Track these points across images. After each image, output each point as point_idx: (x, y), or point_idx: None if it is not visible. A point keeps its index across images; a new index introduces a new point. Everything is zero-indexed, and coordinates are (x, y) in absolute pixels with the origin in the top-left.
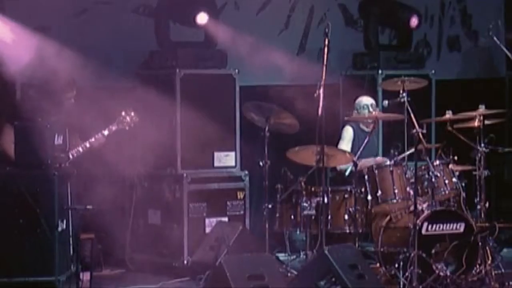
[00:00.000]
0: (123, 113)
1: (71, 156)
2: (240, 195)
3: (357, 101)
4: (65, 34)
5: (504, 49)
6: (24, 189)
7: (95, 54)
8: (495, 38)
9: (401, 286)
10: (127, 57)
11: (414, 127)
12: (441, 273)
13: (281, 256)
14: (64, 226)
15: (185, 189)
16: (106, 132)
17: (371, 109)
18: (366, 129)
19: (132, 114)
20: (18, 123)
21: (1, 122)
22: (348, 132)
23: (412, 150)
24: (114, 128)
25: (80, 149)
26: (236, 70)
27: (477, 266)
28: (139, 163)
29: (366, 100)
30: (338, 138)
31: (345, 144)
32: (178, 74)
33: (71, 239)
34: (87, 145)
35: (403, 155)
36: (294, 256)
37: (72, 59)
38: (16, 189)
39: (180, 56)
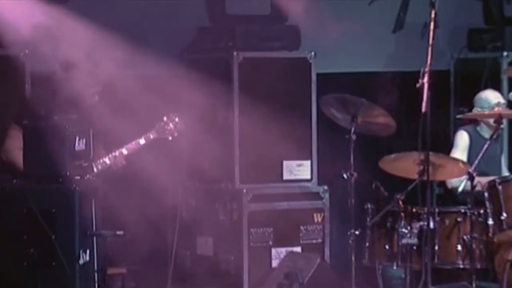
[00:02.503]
0: (165, 119)
1: (95, 169)
2: (318, 217)
3: (477, 97)
4: (87, 7)
5: None
6: (36, 209)
7: (127, 33)
8: None
9: None
10: (169, 36)
11: None
12: None
13: None
14: (88, 258)
15: (245, 209)
16: (142, 141)
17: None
18: (487, 135)
19: (177, 119)
20: (28, 122)
21: (6, 123)
22: (462, 138)
23: None
24: (152, 136)
25: (107, 160)
26: (312, 53)
27: None
28: (184, 175)
29: (492, 97)
30: (450, 146)
31: (459, 153)
32: (236, 58)
33: (96, 274)
34: (117, 155)
35: None
36: None
37: (96, 40)
38: (25, 208)
39: (238, 34)
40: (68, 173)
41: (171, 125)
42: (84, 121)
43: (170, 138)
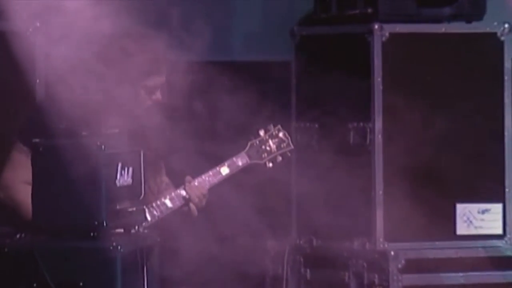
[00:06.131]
0: (261, 133)
1: (149, 216)
2: None
3: None
4: None
5: None
6: (52, 281)
7: (209, 4)
8: None
9: None
10: (272, 4)
11: None
12: None
13: None
14: None
15: (394, 283)
16: (225, 171)
17: None
18: None
19: (281, 135)
20: (40, 141)
21: (8, 138)
22: None
23: None
24: (241, 162)
25: (169, 202)
26: (506, 25)
27: None
28: (293, 227)
29: None
30: None
31: None
32: (379, 34)
33: None
34: (185, 195)
35: None
36: None
37: (161, 12)
38: (35, 281)
39: (381, 0)
40: (104, 224)
41: (271, 143)
42: (132, 137)
43: (270, 165)
